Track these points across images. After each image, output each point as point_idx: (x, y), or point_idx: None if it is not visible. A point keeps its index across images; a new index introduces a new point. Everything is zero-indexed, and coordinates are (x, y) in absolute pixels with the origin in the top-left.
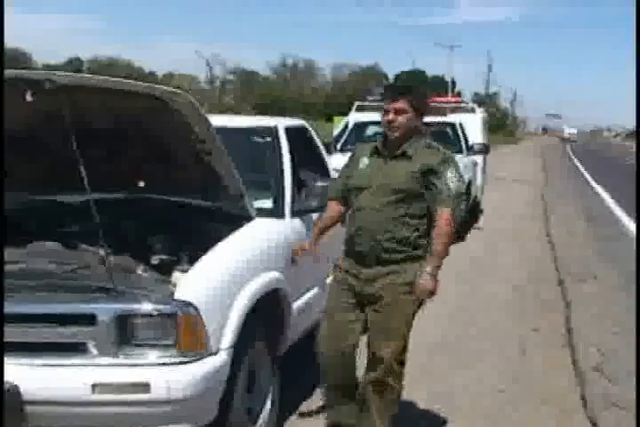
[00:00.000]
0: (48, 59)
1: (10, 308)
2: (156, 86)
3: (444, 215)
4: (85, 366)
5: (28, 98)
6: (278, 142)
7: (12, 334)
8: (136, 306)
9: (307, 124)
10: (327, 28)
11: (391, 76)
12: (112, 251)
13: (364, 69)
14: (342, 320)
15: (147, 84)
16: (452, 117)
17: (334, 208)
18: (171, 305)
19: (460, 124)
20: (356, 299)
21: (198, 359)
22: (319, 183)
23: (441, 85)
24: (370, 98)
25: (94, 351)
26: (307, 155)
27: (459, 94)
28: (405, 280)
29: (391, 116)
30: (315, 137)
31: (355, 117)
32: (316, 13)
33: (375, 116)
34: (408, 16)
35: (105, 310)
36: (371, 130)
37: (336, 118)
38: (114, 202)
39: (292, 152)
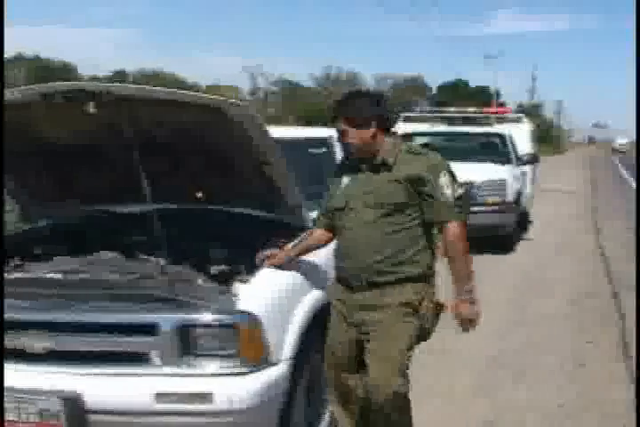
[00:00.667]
0: (94, 72)
1: (73, 317)
2: (216, 97)
3: (451, 230)
4: (148, 375)
5: (91, 110)
6: (333, 152)
7: (76, 343)
8: (198, 316)
9: None
10: (369, 41)
11: (434, 88)
12: (172, 261)
13: (407, 81)
14: (342, 356)
15: (207, 96)
16: (500, 128)
17: (319, 237)
18: (232, 316)
19: (510, 135)
20: (350, 328)
21: (259, 370)
22: None
23: (485, 96)
24: (417, 109)
25: (157, 361)
26: None
27: (502, 105)
28: (401, 300)
29: (344, 138)
30: None
31: (402, 128)
32: (358, 26)
33: (422, 127)
34: (452, 27)
35: (167, 320)
36: (418, 141)
37: None
38: (173, 213)
39: None
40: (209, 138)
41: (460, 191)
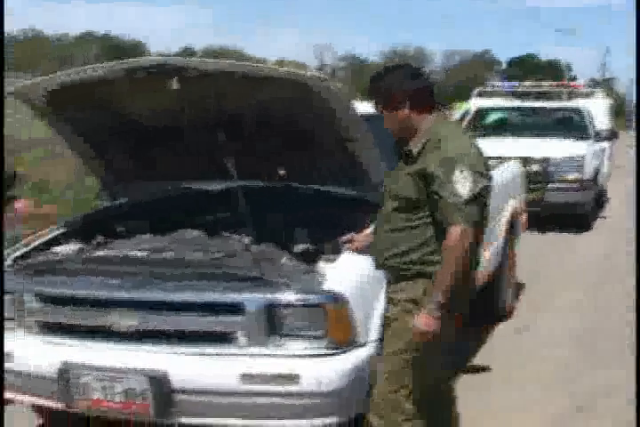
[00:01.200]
0: (162, 49)
1: (158, 296)
2: (301, 72)
3: (452, 235)
4: (234, 355)
5: (174, 86)
6: None
7: (161, 322)
8: (285, 296)
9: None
10: (438, 16)
11: (504, 63)
12: (256, 239)
13: (476, 57)
14: None
15: (291, 70)
16: (578, 102)
17: None
18: (320, 295)
19: (588, 110)
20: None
21: (347, 351)
22: None
23: (556, 71)
24: (493, 84)
25: (243, 341)
26: None
27: (574, 79)
28: (409, 296)
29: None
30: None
31: (477, 103)
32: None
33: (498, 102)
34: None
35: (253, 299)
36: (493, 116)
37: (458, 104)
38: (256, 190)
39: None
40: (293, 114)
41: (480, 186)
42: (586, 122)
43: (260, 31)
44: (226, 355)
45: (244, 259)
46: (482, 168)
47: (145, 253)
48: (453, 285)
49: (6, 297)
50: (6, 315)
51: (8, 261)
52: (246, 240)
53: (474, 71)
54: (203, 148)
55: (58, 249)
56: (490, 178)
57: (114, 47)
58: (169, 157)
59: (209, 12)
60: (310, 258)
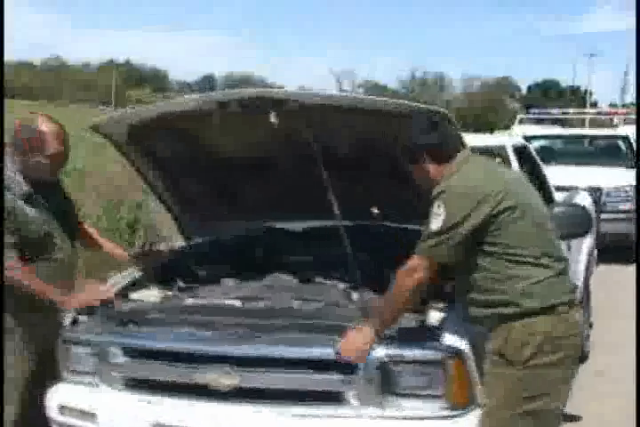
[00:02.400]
0: (183, 77)
1: (260, 351)
2: (413, 104)
3: (406, 265)
4: (344, 417)
5: (273, 120)
6: (509, 162)
7: (264, 380)
8: (402, 351)
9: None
10: (457, 41)
11: (524, 89)
12: (351, 285)
13: (496, 82)
14: None
15: (406, 102)
16: (622, 129)
17: None
18: (440, 351)
19: (634, 138)
20: None
21: (468, 413)
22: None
23: (576, 96)
24: (533, 111)
25: (353, 401)
26: (531, 173)
27: (594, 105)
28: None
29: None
30: (534, 155)
31: (521, 131)
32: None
33: (537, 130)
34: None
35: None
36: (535, 144)
37: (499, 132)
38: (344, 230)
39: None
40: (392, 148)
41: (453, 222)
42: (633, 150)
43: (285, 59)
44: (334, 416)
45: (349, 309)
46: (468, 204)
47: (239, 302)
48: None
49: (87, 349)
50: (86, 369)
51: (86, 309)
52: (341, 286)
53: (493, 96)
54: (290, 184)
55: (138, 295)
56: (481, 215)
57: (134, 75)
58: (252, 195)
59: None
60: (418, 307)
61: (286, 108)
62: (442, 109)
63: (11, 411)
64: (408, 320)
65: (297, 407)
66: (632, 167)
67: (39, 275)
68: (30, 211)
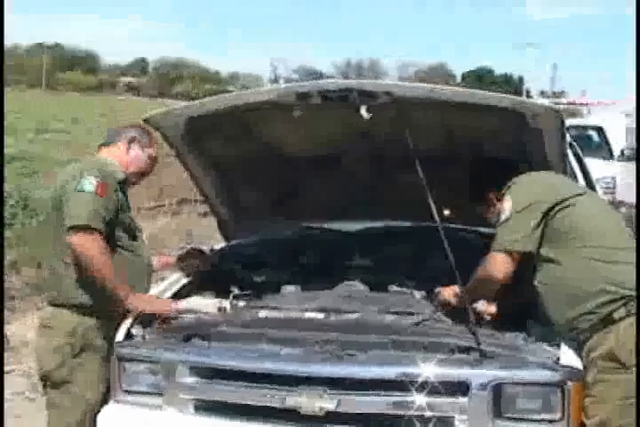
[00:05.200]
0: (116, 60)
1: (358, 371)
2: (518, 99)
3: (487, 258)
4: None
5: (364, 114)
6: None
7: (361, 403)
8: (518, 372)
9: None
10: (393, 28)
11: (458, 76)
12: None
13: (432, 69)
14: None
15: (517, 98)
16: (596, 119)
17: None
18: (560, 372)
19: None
20: None
21: None
22: None
23: (509, 84)
24: None
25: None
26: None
27: (528, 93)
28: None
29: None
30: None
31: None
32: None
33: None
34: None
35: (481, 376)
36: None
37: None
38: (412, 232)
39: None
40: (491, 147)
41: (507, 214)
42: (609, 141)
43: (219, 45)
44: None
45: (449, 324)
46: (533, 191)
47: (321, 315)
48: None
49: (149, 366)
50: (151, 389)
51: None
52: (418, 295)
53: (428, 82)
54: (353, 183)
55: (191, 305)
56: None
57: (65, 57)
58: (309, 194)
59: (163, 24)
60: (517, 320)
61: (379, 102)
62: (552, 106)
63: None
64: (516, 337)
65: None
66: (609, 159)
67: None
68: (122, 197)
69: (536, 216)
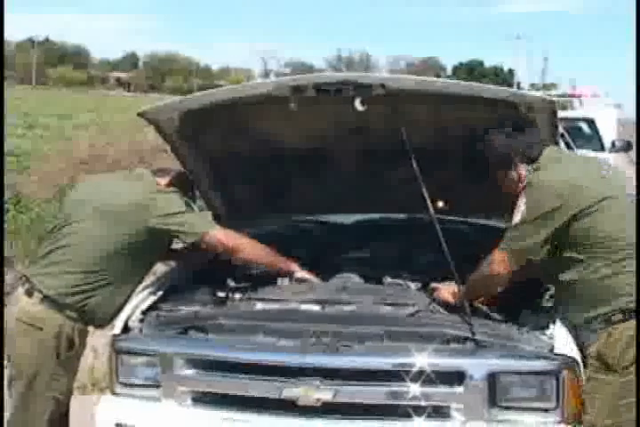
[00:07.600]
0: (106, 55)
1: (355, 362)
2: (515, 91)
3: (491, 255)
4: None
5: (358, 107)
6: None
7: (358, 394)
8: (514, 361)
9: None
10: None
11: (449, 69)
12: (423, 284)
13: (422, 63)
14: None
15: (511, 90)
16: (588, 112)
17: None
18: (555, 361)
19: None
20: None
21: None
22: None
23: (500, 77)
24: None
25: (458, 416)
26: None
27: (518, 85)
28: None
29: None
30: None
31: None
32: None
33: None
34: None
35: (478, 365)
36: None
37: None
38: (406, 224)
39: None
40: (479, 140)
41: (519, 219)
42: (600, 132)
43: (210, 40)
44: None
45: (447, 315)
46: (548, 202)
47: (317, 307)
48: None
49: (146, 358)
50: (148, 382)
51: (138, 315)
52: (413, 286)
53: (419, 75)
54: (345, 177)
55: (192, 297)
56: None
57: (56, 53)
58: (301, 188)
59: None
60: (511, 310)
61: (374, 94)
62: (546, 97)
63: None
64: (509, 325)
65: (393, 423)
66: (600, 150)
67: None
68: None
69: (551, 225)
